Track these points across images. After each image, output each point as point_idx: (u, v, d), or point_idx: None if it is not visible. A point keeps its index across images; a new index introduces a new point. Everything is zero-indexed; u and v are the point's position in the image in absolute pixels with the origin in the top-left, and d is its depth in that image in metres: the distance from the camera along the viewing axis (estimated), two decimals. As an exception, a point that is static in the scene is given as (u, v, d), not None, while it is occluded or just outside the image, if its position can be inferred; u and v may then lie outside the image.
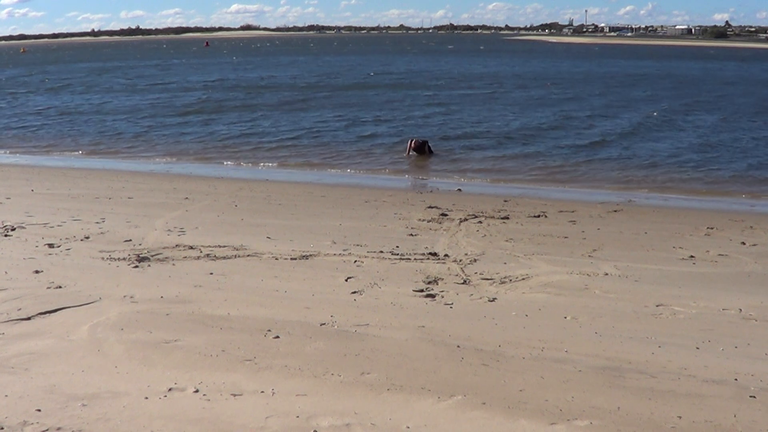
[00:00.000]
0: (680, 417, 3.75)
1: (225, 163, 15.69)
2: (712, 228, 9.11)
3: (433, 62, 61.16)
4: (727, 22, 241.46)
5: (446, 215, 9.39)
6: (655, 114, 23.55)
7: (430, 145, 16.09)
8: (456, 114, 23.83)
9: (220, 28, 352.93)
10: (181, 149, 17.54)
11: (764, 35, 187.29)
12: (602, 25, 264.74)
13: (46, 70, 54.31)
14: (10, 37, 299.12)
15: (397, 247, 7.48)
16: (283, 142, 18.27)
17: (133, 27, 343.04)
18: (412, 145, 15.73)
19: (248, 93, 32.06)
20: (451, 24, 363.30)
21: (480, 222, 9.05)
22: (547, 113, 23.82)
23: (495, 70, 50.21)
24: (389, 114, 23.93)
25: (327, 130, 20.30)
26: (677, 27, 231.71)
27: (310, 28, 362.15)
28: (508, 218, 9.35)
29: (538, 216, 9.59)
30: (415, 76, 42.68)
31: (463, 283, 6.25)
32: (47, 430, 3.47)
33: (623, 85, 36.32)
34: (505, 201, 10.81)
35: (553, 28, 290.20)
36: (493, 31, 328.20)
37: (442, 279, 6.36)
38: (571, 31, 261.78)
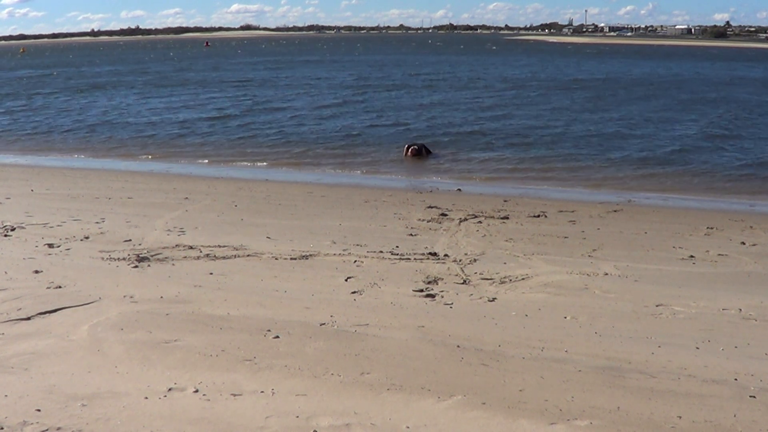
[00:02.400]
0: (680, 417, 3.75)
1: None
2: (712, 228, 9.12)
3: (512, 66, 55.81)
4: (727, 22, 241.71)
5: (446, 215, 9.39)
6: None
7: (426, 146, 16.11)
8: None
9: (220, 28, 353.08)
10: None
11: (764, 35, 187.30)
12: (602, 25, 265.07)
13: (69, 71, 53.58)
14: (10, 37, 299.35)
15: (397, 247, 7.48)
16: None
17: (133, 27, 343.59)
18: (410, 153, 15.72)
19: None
20: (450, 24, 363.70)
21: (480, 222, 9.06)
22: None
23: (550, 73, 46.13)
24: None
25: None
26: (677, 27, 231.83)
27: (310, 28, 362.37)
28: (508, 218, 9.35)
29: (538, 216, 9.59)
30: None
31: (463, 283, 6.25)
32: (47, 430, 3.47)
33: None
34: (505, 201, 10.81)
35: (553, 28, 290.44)
36: (492, 30, 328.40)
37: (442, 279, 6.36)
38: (571, 30, 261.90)
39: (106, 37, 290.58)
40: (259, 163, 15.65)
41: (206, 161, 15.91)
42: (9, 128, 21.65)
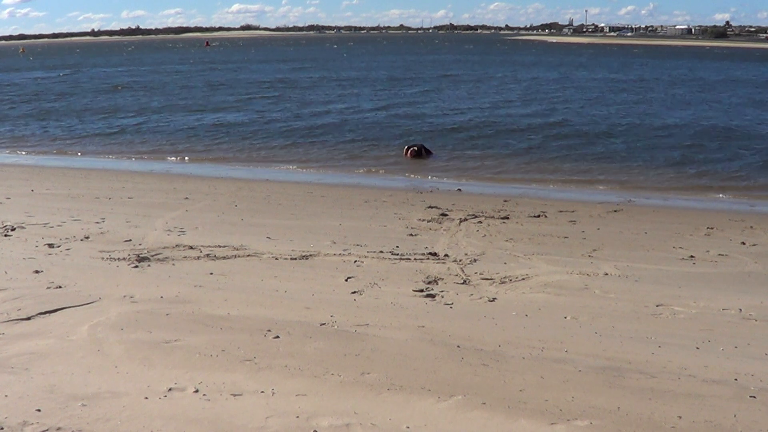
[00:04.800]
0: (680, 417, 3.75)
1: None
2: (712, 228, 9.12)
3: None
4: (727, 22, 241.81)
5: (446, 215, 9.39)
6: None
7: (426, 147, 16.12)
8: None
9: (221, 28, 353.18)
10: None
11: (764, 35, 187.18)
12: (602, 25, 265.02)
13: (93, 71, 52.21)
14: (10, 37, 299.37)
15: (397, 247, 7.48)
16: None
17: (134, 27, 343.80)
18: (410, 154, 15.72)
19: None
20: (451, 24, 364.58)
21: (480, 222, 9.05)
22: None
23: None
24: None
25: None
26: (677, 27, 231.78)
27: (310, 27, 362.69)
28: (508, 218, 9.35)
29: (538, 216, 9.59)
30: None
31: (463, 283, 6.25)
32: (47, 430, 3.47)
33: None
34: (505, 201, 10.81)
35: (553, 27, 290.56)
36: (493, 30, 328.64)
37: (442, 279, 6.36)
38: (571, 31, 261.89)
39: (106, 37, 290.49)
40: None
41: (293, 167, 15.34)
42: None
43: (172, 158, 16.28)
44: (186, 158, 16.20)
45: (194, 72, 49.62)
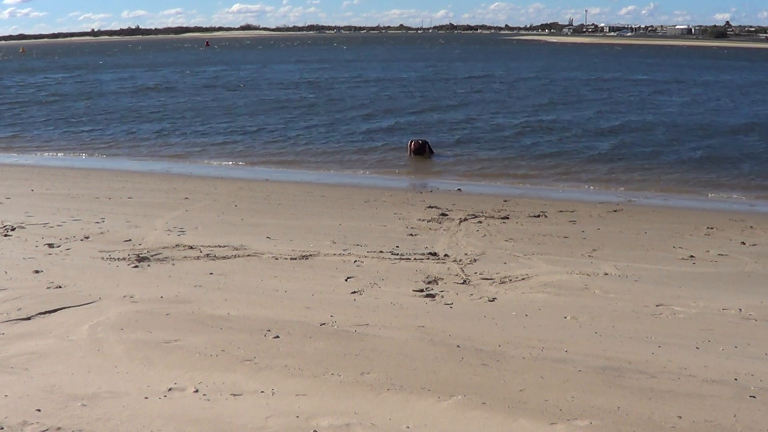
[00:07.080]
0: (680, 417, 3.75)
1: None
2: (712, 228, 9.12)
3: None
4: (727, 22, 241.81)
5: (446, 215, 9.39)
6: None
7: (430, 145, 16.12)
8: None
9: (220, 28, 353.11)
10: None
11: (764, 35, 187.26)
12: (602, 24, 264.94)
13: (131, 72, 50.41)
14: (10, 37, 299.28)
15: (397, 247, 7.48)
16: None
17: (134, 27, 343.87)
18: (413, 147, 15.75)
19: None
20: (450, 24, 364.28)
21: (480, 222, 9.06)
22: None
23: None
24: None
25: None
26: (677, 27, 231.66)
27: (310, 27, 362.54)
28: (508, 218, 9.35)
29: (538, 216, 9.59)
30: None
31: (463, 283, 6.25)
32: (47, 430, 3.47)
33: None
34: (505, 201, 10.81)
35: (553, 27, 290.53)
36: (492, 30, 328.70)
37: (442, 279, 6.36)
38: (571, 30, 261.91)
39: (106, 37, 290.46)
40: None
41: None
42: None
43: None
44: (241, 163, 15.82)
45: (222, 72, 48.53)
